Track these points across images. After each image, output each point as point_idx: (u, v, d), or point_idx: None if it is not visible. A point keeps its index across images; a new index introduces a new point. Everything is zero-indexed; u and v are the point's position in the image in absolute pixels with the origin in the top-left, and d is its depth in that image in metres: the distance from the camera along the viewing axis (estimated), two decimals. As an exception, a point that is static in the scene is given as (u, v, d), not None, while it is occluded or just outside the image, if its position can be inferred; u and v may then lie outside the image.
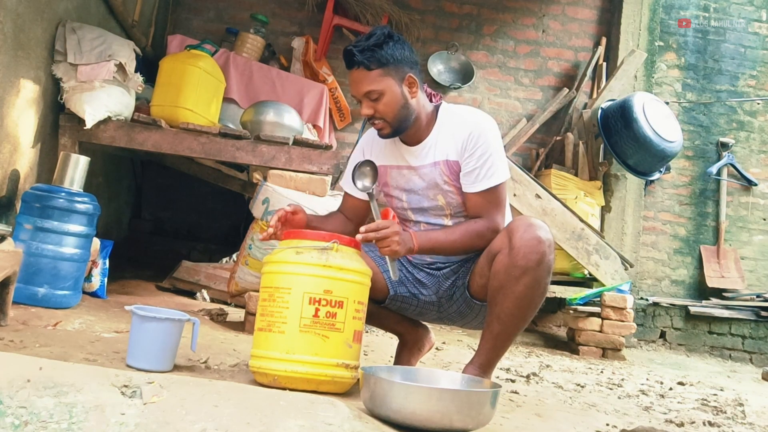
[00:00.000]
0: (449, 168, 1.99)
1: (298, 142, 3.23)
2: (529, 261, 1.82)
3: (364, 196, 2.07)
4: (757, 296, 4.78)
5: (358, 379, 1.68)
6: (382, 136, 2.02)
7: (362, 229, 1.82)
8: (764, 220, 5.17)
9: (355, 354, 1.75)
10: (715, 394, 2.81)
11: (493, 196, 1.97)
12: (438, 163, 2.00)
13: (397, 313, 2.19)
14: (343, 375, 1.72)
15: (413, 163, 2.04)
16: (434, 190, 2.02)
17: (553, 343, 4.14)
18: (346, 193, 2.18)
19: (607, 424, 1.91)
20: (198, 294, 3.65)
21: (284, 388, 1.64)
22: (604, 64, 5.04)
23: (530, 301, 1.87)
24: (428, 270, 2.10)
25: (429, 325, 2.31)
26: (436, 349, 3.24)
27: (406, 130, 2.00)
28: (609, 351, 3.82)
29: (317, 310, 1.69)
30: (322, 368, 1.69)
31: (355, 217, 2.17)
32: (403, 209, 2.11)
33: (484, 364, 1.93)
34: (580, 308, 3.88)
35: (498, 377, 2.55)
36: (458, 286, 2.06)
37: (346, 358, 1.72)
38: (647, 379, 3.10)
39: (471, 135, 1.96)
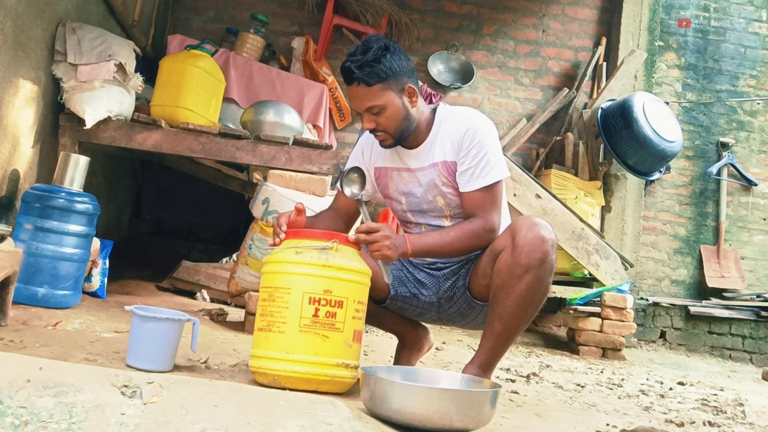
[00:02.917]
0: (447, 169, 1.99)
1: (298, 142, 3.23)
2: (531, 260, 1.83)
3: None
4: (757, 296, 4.78)
5: (358, 379, 1.68)
6: (384, 146, 2.03)
7: (355, 229, 1.81)
8: (764, 220, 5.17)
9: (355, 354, 1.75)
10: (715, 394, 2.80)
11: (488, 194, 1.97)
12: (436, 164, 2.00)
13: (397, 313, 2.19)
14: (343, 375, 1.72)
15: (412, 165, 2.04)
16: (433, 191, 2.02)
17: (553, 343, 4.14)
18: (339, 191, 2.16)
19: (607, 424, 1.91)
20: (198, 294, 3.65)
21: (284, 388, 1.64)
22: (604, 64, 5.04)
23: (532, 299, 1.87)
24: (428, 270, 2.10)
25: (428, 326, 2.31)
26: (436, 349, 3.24)
27: (407, 139, 2.01)
28: (609, 351, 3.81)
29: (317, 309, 1.69)
30: (322, 368, 1.69)
31: (346, 215, 2.16)
32: (403, 211, 2.11)
33: (484, 363, 1.92)
34: (580, 308, 3.88)
35: (498, 377, 2.55)
36: (458, 287, 2.06)
37: (346, 357, 1.72)
38: (647, 379, 3.10)
39: (467, 134, 1.96)
